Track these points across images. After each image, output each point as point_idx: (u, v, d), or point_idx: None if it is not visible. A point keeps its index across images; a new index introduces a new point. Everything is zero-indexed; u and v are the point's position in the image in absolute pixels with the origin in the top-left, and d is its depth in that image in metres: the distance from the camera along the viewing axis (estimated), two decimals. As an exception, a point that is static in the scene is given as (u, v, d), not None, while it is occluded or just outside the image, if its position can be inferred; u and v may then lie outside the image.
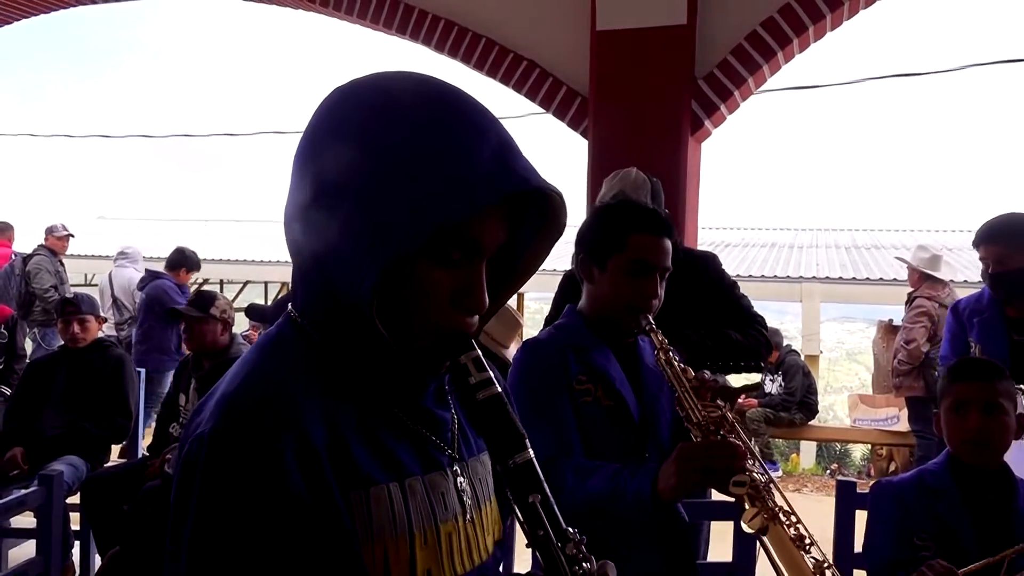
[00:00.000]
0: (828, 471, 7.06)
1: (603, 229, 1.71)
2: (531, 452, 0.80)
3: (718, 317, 2.46)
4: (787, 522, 1.36)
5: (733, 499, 1.39)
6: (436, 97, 0.78)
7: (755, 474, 1.39)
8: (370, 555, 0.77)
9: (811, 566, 1.29)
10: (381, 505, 0.79)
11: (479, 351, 0.82)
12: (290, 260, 0.86)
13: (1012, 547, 1.74)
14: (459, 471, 0.88)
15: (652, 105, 3.44)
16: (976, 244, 2.84)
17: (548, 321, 2.63)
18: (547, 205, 0.85)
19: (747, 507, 1.36)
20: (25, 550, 3.63)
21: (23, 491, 2.45)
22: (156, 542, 2.61)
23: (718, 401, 1.52)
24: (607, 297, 1.69)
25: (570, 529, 0.80)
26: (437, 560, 0.83)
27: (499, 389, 0.81)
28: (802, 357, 6.88)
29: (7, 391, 4.14)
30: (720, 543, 2.25)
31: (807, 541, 1.34)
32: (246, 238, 12.71)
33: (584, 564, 0.79)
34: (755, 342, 2.45)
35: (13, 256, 6.61)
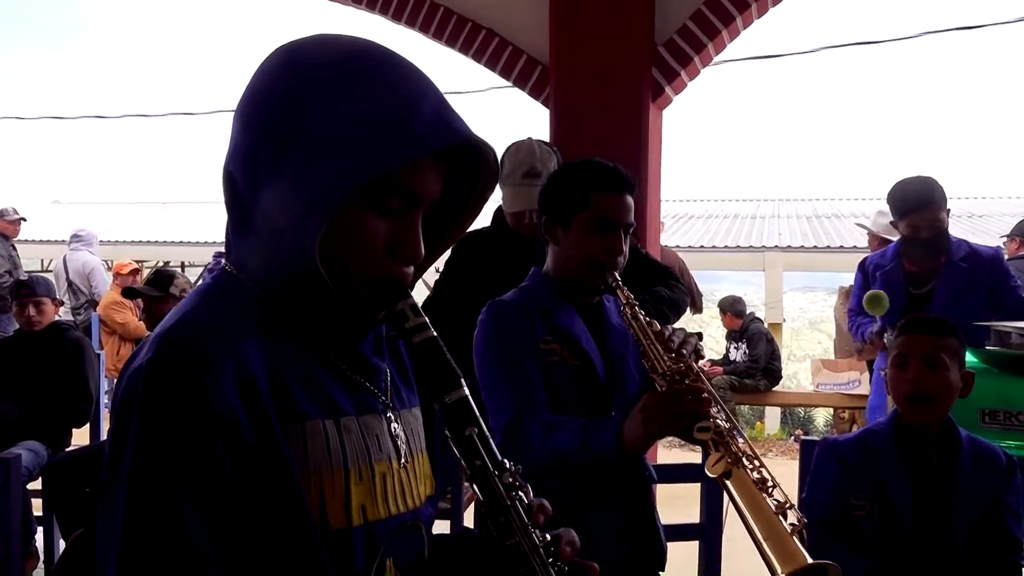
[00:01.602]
0: (792, 436, 7.20)
1: (565, 189, 1.71)
2: (466, 390, 0.82)
3: (633, 279, 2.47)
4: (750, 466, 1.37)
5: (697, 444, 1.41)
6: (378, 54, 0.83)
7: (718, 420, 1.41)
8: (306, 487, 0.80)
9: (773, 507, 1.31)
10: (317, 439, 0.82)
11: (414, 299, 0.85)
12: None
13: (951, 510, 1.73)
14: (392, 418, 0.91)
15: (613, 72, 3.44)
16: (905, 213, 2.97)
17: (439, 284, 2.64)
18: (479, 164, 0.89)
19: (712, 452, 1.38)
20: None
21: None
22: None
23: (683, 351, 1.53)
24: (573, 256, 1.69)
25: (506, 461, 0.82)
26: (372, 497, 0.86)
27: (434, 333, 0.83)
28: (765, 325, 6.98)
29: (-39, 378, 4.03)
30: (690, 506, 2.28)
31: (769, 484, 1.36)
32: (206, 220, 12.53)
33: (520, 492, 0.81)
34: (680, 293, 2.46)
35: (-36, 242, 6.42)
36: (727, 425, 1.41)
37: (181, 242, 11.15)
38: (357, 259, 0.82)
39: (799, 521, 1.30)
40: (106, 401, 4.04)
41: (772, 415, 7.64)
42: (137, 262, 7.33)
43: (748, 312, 6.90)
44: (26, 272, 6.50)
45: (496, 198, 2.02)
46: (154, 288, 3.32)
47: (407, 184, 0.82)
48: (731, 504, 1.36)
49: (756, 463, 1.38)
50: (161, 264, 12.43)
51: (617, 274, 1.66)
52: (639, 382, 1.73)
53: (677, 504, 2.48)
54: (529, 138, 2.54)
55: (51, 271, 8.47)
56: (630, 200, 1.69)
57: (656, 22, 3.46)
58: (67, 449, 3.55)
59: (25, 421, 3.43)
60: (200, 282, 0.93)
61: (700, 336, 1.64)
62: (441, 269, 2.69)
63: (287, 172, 0.79)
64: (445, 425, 0.82)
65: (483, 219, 2.68)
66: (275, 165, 0.79)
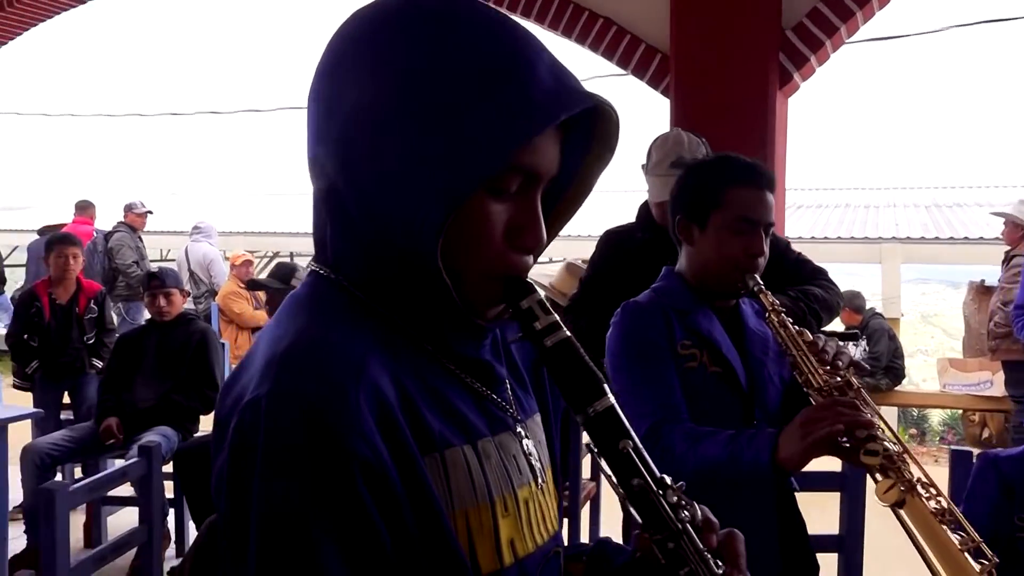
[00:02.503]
0: (908, 436, 6.84)
1: (700, 186, 1.63)
2: (611, 397, 0.72)
3: (781, 280, 2.35)
4: (926, 495, 1.27)
5: (864, 469, 1.31)
6: (487, 13, 0.71)
7: (887, 444, 1.30)
8: (452, 527, 0.70)
9: (957, 542, 1.19)
10: (458, 470, 0.71)
11: (541, 293, 0.73)
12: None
13: None
14: (523, 433, 0.80)
15: (737, 58, 3.29)
16: None
17: (586, 284, 2.56)
18: (595, 128, 0.77)
19: (880, 478, 1.28)
20: (121, 518, 3.76)
21: (124, 462, 2.51)
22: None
23: (838, 363, 1.43)
24: (710, 258, 1.61)
25: (665, 477, 0.72)
26: (519, 530, 0.76)
27: (568, 333, 0.72)
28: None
29: (99, 364, 4.26)
30: (826, 514, 2.16)
31: (948, 515, 1.24)
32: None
33: (686, 511, 0.71)
34: (833, 295, 2.33)
35: (95, 233, 6.80)
36: (897, 448, 1.30)
37: (290, 233, 11.53)
38: (474, 251, 0.70)
39: (990, 560, 1.18)
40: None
41: (888, 414, 7.27)
42: (249, 252, 7.61)
43: (868, 307, 6.58)
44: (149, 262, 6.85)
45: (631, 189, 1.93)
46: (277, 280, 3.41)
47: (527, 160, 0.69)
48: (905, 532, 1.26)
49: (932, 491, 1.27)
50: (270, 254, 12.92)
51: (758, 276, 1.58)
52: (780, 390, 1.65)
53: (810, 513, 2.37)
54: (677, 128, 2.45)
55: (170, 260, 8.90)
56: (770, 197, 1.60)
57: (783, 5, 3.29)
58: (195, 435, 3.69)
59: (157, 408, 3.59)
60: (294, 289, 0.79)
61: (856, 336, 1.54)
62: (586, 267, 2.64)
63: (391, 156, 0.67)
64: (592, 439, 0.73)
65: (627, 213, 2.60)
66: (376, 149, 0.68)
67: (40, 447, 3.40)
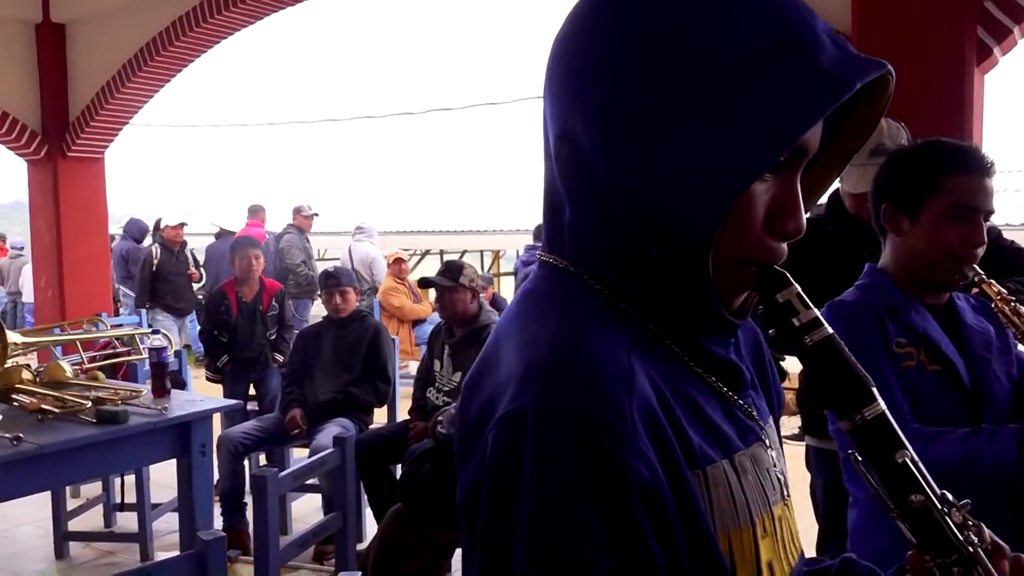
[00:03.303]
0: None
1: (912, 173, 1.53)
2: (882, 403, 0.64)
3: (996, 272, 2.16)
4: None
5: None
6: None
7: None
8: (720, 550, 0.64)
9: None
10: (720, 489, 0.65)
11: (798, 286, 0.65)
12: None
13: None
14: (767, 442, 0.73)
15: (929, 33, 3.05)
16: None
17: None
18: (856, 102, 0.67)
19: None
20: (304, 504, 3.98)
21: (317, 454, 2.64)
22: (433, 498, 2.76)
23: None
24: (922, 248, 1.51)
25: (947, 493, 0.65)
26: (776, 552, 0.69)
27: (830, 330, 0.65)
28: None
29: (280, 358, 4.53)
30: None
31: None
32: (459, 209, 13.19)
33: (973, 533, 0.64)
34: None
35: (267, 235, 7.25)
36: None
37: (437, 231, 11.87)
38: (734, 239, 0.63)
39: None
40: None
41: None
42: (403, 250, 7.87)
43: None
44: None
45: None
46: (446, 279, 3.49)
47: (804, 137, 0.62)
48: None
49: None
50: (418, 252, 13.33)
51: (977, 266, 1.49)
52: (1009, 389, 1.54)
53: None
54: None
55: (326, 260, 9.35)
56: (990, 183, 1.50)
57: (981, -27, 3.03)
58: (370, 427, 3.85)
59: (336, 400, 3.77)
60: (523, 283, 0.74)
61: None
62: None
63: (661, 135, 0.61)
64: (859, 449, 0.66)
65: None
66: (644, 127, 0.61)
67: (233, 436, 3.65)
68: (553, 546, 0.56)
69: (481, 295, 3.61)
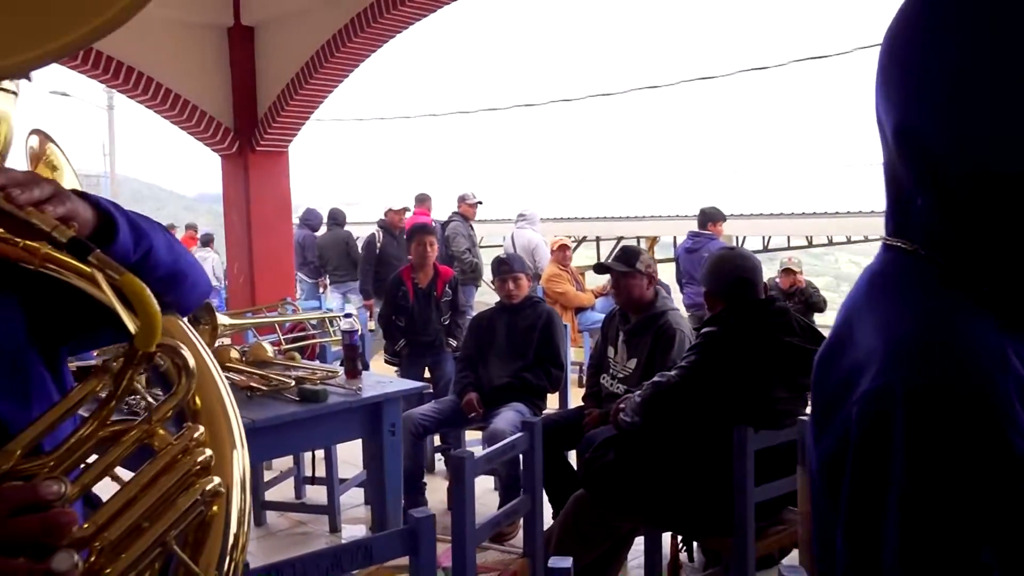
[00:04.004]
0: None
1: None
2: None
3: None
4: None
5: None
6: None
7: None
8: None
9: None
10: None
11: None
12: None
13: None
14: None
15: None
16: None
17: None
18: None
19: None
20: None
21: (506, 439, 2.66)
22: (616, 486, 2.72)
23: None
24: None
25: None
26: None
27: None
28: None
29: (453, 343, 4.64)
30: None
31: None
32: (619, 196, 13.06)
33: None
34: None
35: (433, 223, 7.46)
36: None
37: (593, 218, 11.80)
38: None
39: None
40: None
41: None
42: (567, 237, 7.87)
43: None
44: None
45: None
46: (622, 264, 3.43)
47: None
48: None
49: None
50: (575, 239, 13.32)
51: None
52: None
53: None
54: None
55: (485, 247, 9.49)
56: None
57: None
58: (544, 412, 3.87)
59: (510, 385, 3.81)
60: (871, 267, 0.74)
61: None
62: None
63: (1011, 116, 0.62)
64: None
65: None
66: (990, 110, 0.63)
67: (415, 417, 3.78)
68: (933, 526, 0.58)
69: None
